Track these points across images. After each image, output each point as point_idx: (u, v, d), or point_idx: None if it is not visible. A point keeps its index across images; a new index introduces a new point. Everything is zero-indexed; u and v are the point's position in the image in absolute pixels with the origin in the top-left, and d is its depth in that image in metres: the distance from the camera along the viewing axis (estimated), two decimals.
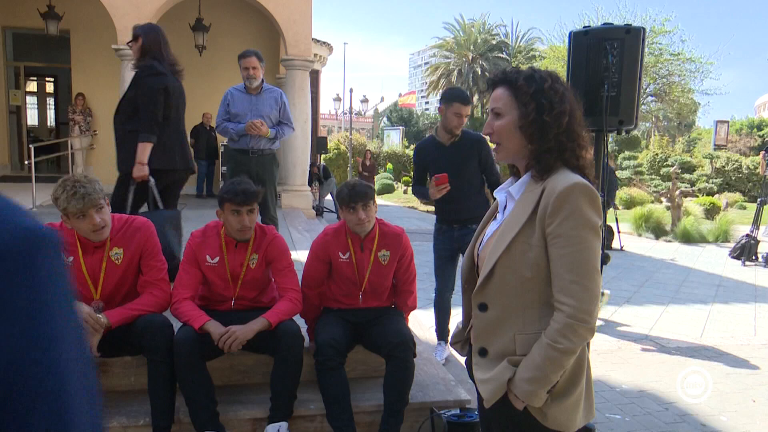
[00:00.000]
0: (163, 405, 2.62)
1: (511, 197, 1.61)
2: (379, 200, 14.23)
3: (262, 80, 4.94)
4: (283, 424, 2.72)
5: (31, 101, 17.11)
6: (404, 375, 2.84)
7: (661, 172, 23.00)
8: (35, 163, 9.95)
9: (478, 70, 44.05)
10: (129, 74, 10.03)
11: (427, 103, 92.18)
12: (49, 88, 17.05)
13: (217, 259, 2.91)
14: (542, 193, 1.51)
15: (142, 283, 2.82)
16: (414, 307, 3.30)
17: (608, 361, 4.65)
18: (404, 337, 2.88)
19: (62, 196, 2.50)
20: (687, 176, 22.21)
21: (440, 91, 47.90)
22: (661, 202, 16.52)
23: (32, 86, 16.83)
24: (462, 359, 4.22)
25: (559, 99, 1.54)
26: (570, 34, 2.79)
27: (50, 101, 17.26)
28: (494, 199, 1.72)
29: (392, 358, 2.84)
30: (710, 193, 19.87)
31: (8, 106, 12.92)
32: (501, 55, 45.11)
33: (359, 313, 3.12)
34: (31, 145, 9.90)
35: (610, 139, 3.01)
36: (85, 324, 2.53)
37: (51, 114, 17.19)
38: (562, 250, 1.46)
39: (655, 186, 21.16)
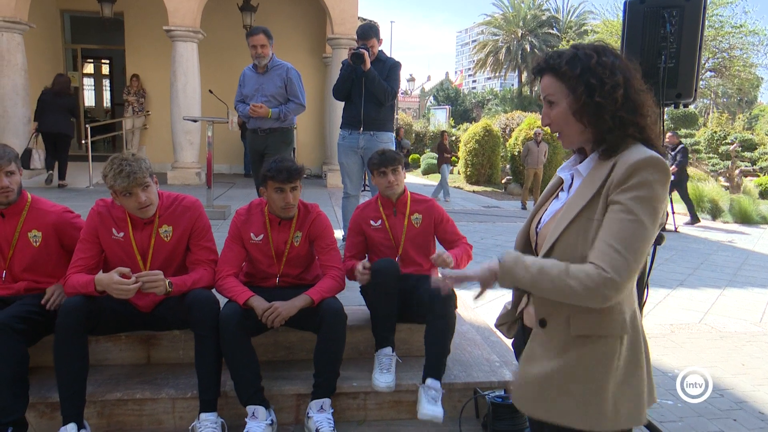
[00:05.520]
0: (210, 379, 2.66)
1: (578, 174, 1.53)
2: (424, 180, 14.13)
3: (272, 57, 4.88)
4: (326, 401, 2.74)
5: (88, 83, 17.67)
6: (445, 326, 2.84)
7: (720, 151, 22.02)
8: (92, 142, 10.31)
9: (527, 46, 43.00)
10: (180, 55, 10.26)
11: (474, 81, 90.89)
12: (105, 69, 17.55)
13: (261, 236, 2.93)
14: (613, 167, 1.41)
15: (194, 261, 2.87)
16: (470, 249, 3.24)
17: (660, 345, 4.51)
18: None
19: (110, 174, 2.55)
20: (748, 154, 21.20)
21: (488, 69, 47.13)
22: (719, 181, 15.85)
23: (89, 68, 17.36)
24: (506, 340, 4.17)
25: (609, 72, 1.43)
26: (625, 3, 2.66)
27: (106, 82, 17.77)
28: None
29: (433, 311, 2.84)
30: None
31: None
32: (551, 31, 43.85)
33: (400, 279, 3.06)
34: (87, 125, 10.21)
35: (665, 116, 2.87)
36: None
37: (107, 95, 17.70)
38: (614, 215, 1.36)
39: (713, 165, 20.32)
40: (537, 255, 1.54)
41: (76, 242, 2.79)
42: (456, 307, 2.90)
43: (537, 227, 1.60)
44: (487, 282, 1.51)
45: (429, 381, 2.82)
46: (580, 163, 1.54)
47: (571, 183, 1.56)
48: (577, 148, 1.58)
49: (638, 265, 1.35)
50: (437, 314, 2.83)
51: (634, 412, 1.46)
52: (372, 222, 3.21)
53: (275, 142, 4.98)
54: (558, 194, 1.61)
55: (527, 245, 1.64)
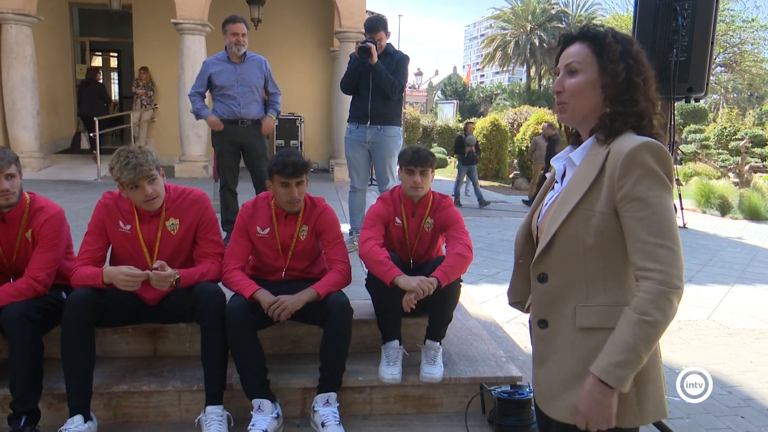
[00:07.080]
0: (216, 372, 2.67)
1: (571, 164, 1.51)
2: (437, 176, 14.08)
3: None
4: (332, 395, 2.74)
5: None
6: (447, 296, 2.87)
7: (730, 146, 21.84)
8: (100, 135, 10.33)
9: (536, 41, 42.74)
10: (188, 48, 10.26)
11: (482, 76, 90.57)
12: (113, 62, 17.56)
13: (268, 230, 2.92)
14: (607, 156, 1.40)
15: (201, 254, 2.86)
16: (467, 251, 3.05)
17: (668, 342, 4.48)
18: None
19: (116, 167, 2.55)
20: (758, 150, 21.02)
21: (496, 63, 46.95)
22: (729, 177, 15.73)
23: (97, 61, 17.37)
24: (512, 336, 4.16)
25: (645, 64, 1.46)
26: None
27: (114, 75, 17.78)
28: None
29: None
30: None
31: (75, 80, 13.40)
32: (560, 25, 43.53)
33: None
34: (95, 118, 10.24)
35: (675, 111, 2.85)
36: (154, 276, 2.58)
37: (115, 88, 17.72)
38: (640, 213, 1.35)
39: (722, 161, 20.15)
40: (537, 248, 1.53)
41: (41, 239, 2.70)
42: (461, 280, 2.98)
43: (537, 220, 1.59)
44: None
45: (428, 342, 2.99)
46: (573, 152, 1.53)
47: (564, 173, 1.54)
48: (567, 131, 1.57)
49: (681, 248, 1.36)
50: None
51: (658, 405, 1.44)
52: (397, 219, 3.13)
53: (258, 133, 4.88)
54: (554, 185, 1.59)
55: (528, 240, 1.63)
